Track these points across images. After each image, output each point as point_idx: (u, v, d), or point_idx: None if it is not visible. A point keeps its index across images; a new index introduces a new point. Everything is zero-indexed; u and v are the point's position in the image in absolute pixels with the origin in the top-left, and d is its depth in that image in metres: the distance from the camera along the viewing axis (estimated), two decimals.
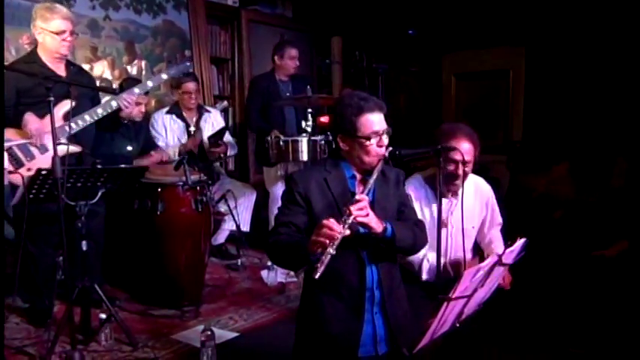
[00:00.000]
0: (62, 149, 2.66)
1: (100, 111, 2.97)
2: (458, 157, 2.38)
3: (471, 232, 2.65)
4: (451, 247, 2.60)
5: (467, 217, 2.45)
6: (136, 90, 3.11)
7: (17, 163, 2.79)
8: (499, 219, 2.77)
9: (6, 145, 2.74)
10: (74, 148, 2.90)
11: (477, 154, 2.54)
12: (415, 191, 2.56)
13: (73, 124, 2.86)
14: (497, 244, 2.72)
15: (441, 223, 2.17)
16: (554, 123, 5.43)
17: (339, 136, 2.00)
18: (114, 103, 3.00)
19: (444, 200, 2.51)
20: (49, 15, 2.91)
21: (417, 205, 2.50)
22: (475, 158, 2.52)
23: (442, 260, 2.24)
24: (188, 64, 3.40)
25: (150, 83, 3.23)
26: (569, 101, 5.36)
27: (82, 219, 2.75)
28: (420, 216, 2.43)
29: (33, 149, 2.85)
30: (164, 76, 3.29)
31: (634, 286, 3.23)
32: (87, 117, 2.93)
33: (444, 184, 2.40)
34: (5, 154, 2.74)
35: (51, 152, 2.63)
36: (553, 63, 5.47)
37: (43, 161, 2.81)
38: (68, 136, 2.78)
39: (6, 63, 3.61)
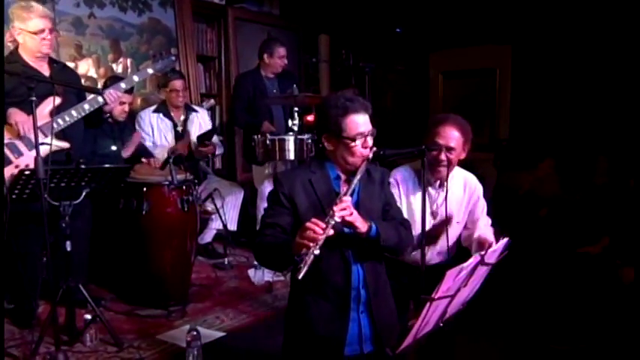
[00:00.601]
0: (48, 147, 2.64)
1: (86, 107, 2.94)
2: (441, 141, 2.41)
3: (455, 226, 2.65)
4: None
5: (454, 210, 2.48)
6: (122, 85, 3.09)
7: (6, 162, 2.76)
8: (488, 218, 2.78)
9: None
10: (62, 144, 2.87)
11: (467, 147, 2.53)
12: (403, 182, 2.56)
13: (60, 120, 2.84)
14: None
15: (425, 218, 2.19)
16: (540, 121, 5.47)
17: (324, 136, 2.00)
18: (100, 99, 2.97)
19: (432, 191, 2.55)
20: (26, 14, 2.87)
21: (403, 196, 2.53)
22: (464, 150, 2.52)
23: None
24: (173, 58, 3.37)
25: (136, 78, 3.22)
26: (556, 99, 5.40)
27: (66, 219, 2.72)
28: (406, 206, 2.46)
29: (20, 146, 2.82)
30: (150, 71, 3.27)
31: (613, 282, 3.27)
32: (74, 112, 2.91)
33: (428, 170, 2.43)
34: None
35: (43, 148, 2.61)
36: (539, 61, 5.51)
37: (31, 158, 2.78)
38: (56, 132, 2.77)
39: None
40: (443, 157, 2.44)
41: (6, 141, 2.80)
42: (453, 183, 2.58)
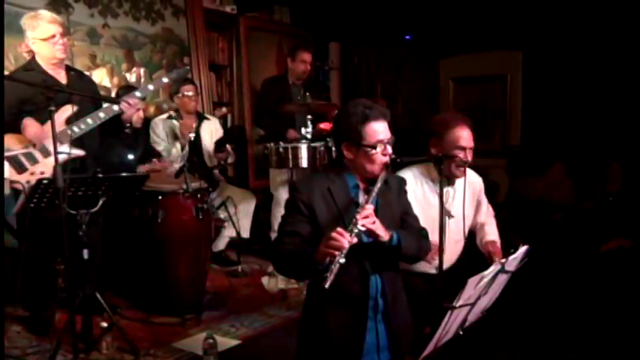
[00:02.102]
0: (65, 155, 2.68)
1: (102, 115, 2.96)
2: (463, 143, 2.47)
3: (467, 221, 2.67)
4: (451, 235, 2.61)
5: (462, 206, 2.52)
6: (138, 93, 3.12)
7: (20, 168, 2.79)
8: (491, 209, 2.84)
9: (10, 153, 2.74)
10: (78, 152, 2.89)
11: None
12: (410, 184, 2.55)
13: (75, 128, 2.86)
14: (491, 228, 2.79)
15: (442, 224, 2.19)
16: (552, 127, 5.45)
17: (344, 145, 2.00)
18: (115, 107, 2.99)
19: (447, 189, 2.56)
20: (35, 23, 2.91)
21: (413, 198, 2.51)
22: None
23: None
24: (188, 68, 3.42)
25: (151, 87, 3.25)
26: (568, 105, 5.38)
27: (83, 227, 2.74)
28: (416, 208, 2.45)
29: (36, 153, 2.84)
30: (165, 80, 3.30)
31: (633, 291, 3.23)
32: (89, 120, 2.93)
33: (445, 171, 2.45)
34: (6, 162, 2.73)
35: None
36: (551, 67, 5.49)
37: (47, 165, 2.82)
38: (72, 140, 2.80)
39: (6, 72, 3.63)
40: (469, 157, 2.49)
41: (21, 150, 2.83)
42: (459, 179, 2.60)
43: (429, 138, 2.57)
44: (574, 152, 5.10)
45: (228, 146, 4.45)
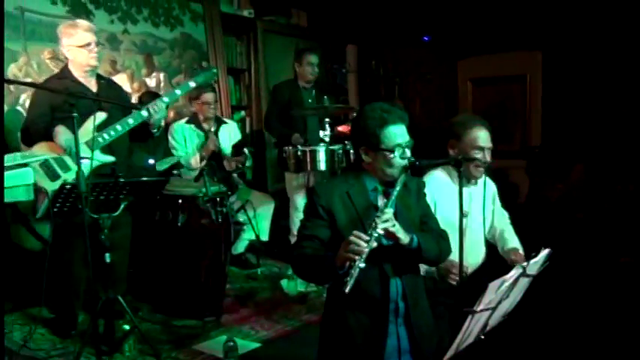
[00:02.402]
0: (100, 159, 2.77)
1: (130, 121, 2.99)
2: (482, 143, 2.49)
3: (487, 223, 2.68)
4: (472, 237, 2.60)
5: (480, 207, 2.51)
6: (165, 98, 3.14)
7: (53, 176, 2.84)
8: (505, 212, 2.82)
9: (40, 157, 2.79)
10: (107, 158, 2.94)
11: None
12: (437, 188, 2.54)
13: (105, 135, 2.91)
14: (511, 235, 2.75)
15: (462, 227, 2.17)
16: (573, 127, 5.38)
17: (362, 149, 2.00)
18: (144, 113, 3.02)
19: (465, 190, 2.52)
20: (73, 31, 2.98)
21: (441, 198, 2.51)
22: None
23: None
24: (215, 70, 3.41)
25: (178, 91, 3.26)
26: (588, 105, 5.31)
27: (105, 231, 2.78)
28: (444, 207, 2.45)
29: (68, 161, 2.89)
30: (192, 84, 3.27)
31: None
32: (118, 127, 2.97)
33: (468, 173, 2.49)
34: (39, 166, 2.78)
35: (85, 162, 2.69)
36: (571, 67, 5.43)
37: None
38: (102, 146, 2.87)
39: (30, 79, 3.71)
40: (488, 157, 2.50)
41: (54, 156, 2.87)
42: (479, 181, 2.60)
43: (447, 139, 2.56)
44: (595, 153, 5.03)
45: (245, 150, 4.47)
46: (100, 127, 2.88)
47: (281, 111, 4.44)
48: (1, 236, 2.87)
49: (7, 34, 3.77)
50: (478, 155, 2.48)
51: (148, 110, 3.00)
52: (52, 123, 2.91)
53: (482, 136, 2.51)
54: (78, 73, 3.04)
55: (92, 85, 3.08)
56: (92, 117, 2.79)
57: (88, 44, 2.98)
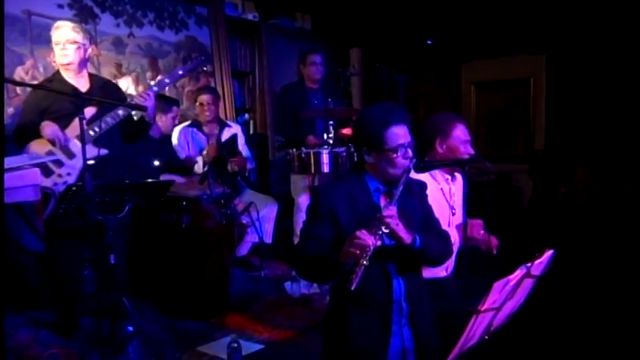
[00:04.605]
0: (90, 152, 2.77)
1: (120, 112, 3.01)
2: (465, 137, 2.49)
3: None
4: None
5: (460, 202, 2.51)
6: (154, 88, 3.17)
7: (48, 172, 2.86)
8: None
9: (39, 160, 2.81)
10: (101, 152, 2.95)
11: None
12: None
13: (96, 128, 2.93)
14: None
15: (465, 232, 2.17)
16: (576, 131, 5.38)
17: (365, 149, 2.00)
18: (133, 102, 3.06)
19: (446, 185, 2.53)
20: (53, 31, 3.05)
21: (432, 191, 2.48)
22: None
23: None
24: (202, 58, 3.42)
25: (167, 80, 3.30)
26: (591, 109, 5.31)
27: (110, 233, 2.79)
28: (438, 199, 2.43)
29: (60, 155, 2.91)
30: (180, 72, 3.31)
31: None
32: (109, 119, 2.99)
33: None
34: (36, 169, 2.80)
35: (78, 157, 2.72)
36: (574, 70, 5.43)
37: (71, 167, 2.90)
38: (94, 139, 2.90)
39: (35, 82, 3.73)
40: (472, 150, 2.50)
41: (48, 157, 2.89)
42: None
43: (434, 138, 2.53)
44: (599, 156, 5.02)
45: (247, 152, 4.47)
46: (90, 122, 2.90)
47: (292, 113, 4.44)
48: (1, 236, 2.89)
49: (14, 37, 3.81)
50: (468, 149, 2.48)
51: (137, 100, 3.05)
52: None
53: (465, 129, 2.52)
54: (65, 73, 3.07)
55: (82, 85, 3.09)
56: (80, 113, 2.78)
57: (58, 43, 3.01)
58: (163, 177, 3.75)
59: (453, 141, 2.49)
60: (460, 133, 2.51)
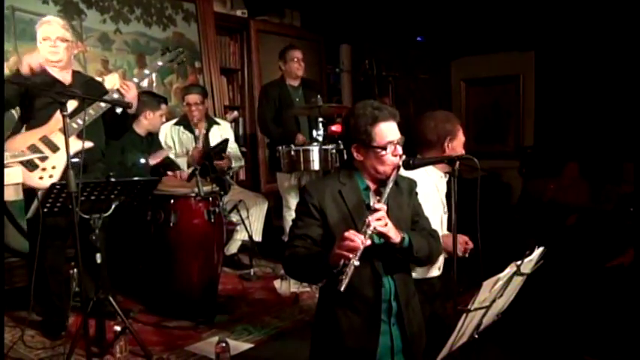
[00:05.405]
0: (75, 145, 2.75)
1: (103, 104, 2.99)
2: (464, 138, 2.54)
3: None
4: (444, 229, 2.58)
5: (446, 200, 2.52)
6: (135, 79, 3.17)
7: (32, 167, 2.81)
8: None
9: (24, 158, 2.76)
10: (85, 144, 2.90)
11: None
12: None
13: (79, 120, 2.88)
14: None
15: (456, 231, 2.15)
16: (566, 128, 5.40)
17: (354, 147, 1.98)
18: (115, 95, 3.03)
19: (439, 183, 2.53)
20: (39, 26, 3.00)
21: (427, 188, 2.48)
22: None
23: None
24: (180, 49, 3.44)
25: (147, 71, 3.32)
26: (581, 105, 5.33)
27: (96, 232, 2.75)
28: (431, 196, 2.42)
29: (43, 149, 2.87)
30: (159, 63, 3.34)
31: None
32: (91, 111, 2.95)
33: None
34: (21, 166, 2.75)
35: (62, 149, 2.69)
36: (564, 67, 5.46)
37: (56, 160, 2.86)
38: (77, 132, 2.87)
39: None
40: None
41: (33, 155, 2.84)
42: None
43: (444, 139, 2.51)
44: (588, 152, 5.04)
45: (236, 149, 4.43)
46: (73, 115, 2.86)
47: (274, 112, 4.41)
48: (1, 236, 2.85)
49: None
50: (459, 149, 2.50)
51: (119, 91, 3.03)
52: (23, 119, 2.97)
53: (462, 130, 2.56)
54: (51, 69, 3.03)
55: (66, 79, 3.07)
56: (60, 106, 2.71)
57: (47, 39, 2.97)
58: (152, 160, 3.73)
59: (457, 142, 2.51)
60: (461, 134, 2.54)
